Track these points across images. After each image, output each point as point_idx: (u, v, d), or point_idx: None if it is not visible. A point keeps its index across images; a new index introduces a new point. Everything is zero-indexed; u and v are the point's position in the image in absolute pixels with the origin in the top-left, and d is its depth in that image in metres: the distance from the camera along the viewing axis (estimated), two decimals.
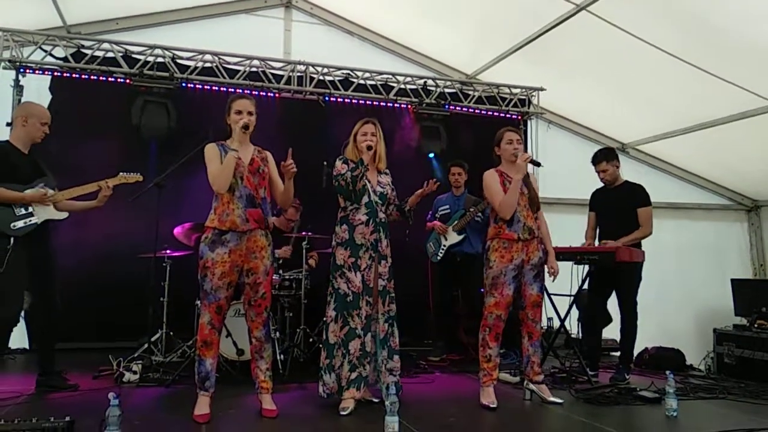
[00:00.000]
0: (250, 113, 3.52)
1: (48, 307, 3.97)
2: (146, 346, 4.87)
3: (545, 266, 4.07)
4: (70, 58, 5.94)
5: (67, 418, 2.95)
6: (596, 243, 4.99)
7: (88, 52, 5.97)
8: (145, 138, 5.97)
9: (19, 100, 5.71)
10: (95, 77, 5.98)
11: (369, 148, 3.79)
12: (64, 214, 3.92)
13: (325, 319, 3.85)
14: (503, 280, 3.86)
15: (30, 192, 3.78)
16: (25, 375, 4.37)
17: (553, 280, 4.16)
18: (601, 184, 5.07)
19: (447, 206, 5.83)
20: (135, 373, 4.39)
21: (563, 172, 7.13)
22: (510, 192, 3.87)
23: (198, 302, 3.75)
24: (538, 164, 4.16)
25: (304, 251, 5.17)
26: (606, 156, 4.96)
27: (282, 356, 4.75)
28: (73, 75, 5.96)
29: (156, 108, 5.96)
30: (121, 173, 4.17)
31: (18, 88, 5.74)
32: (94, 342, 5.66)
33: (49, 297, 3.97)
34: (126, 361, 4.53)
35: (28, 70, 5.82)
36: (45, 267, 3.91)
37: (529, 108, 7.29)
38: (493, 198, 3.96)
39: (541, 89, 7.17)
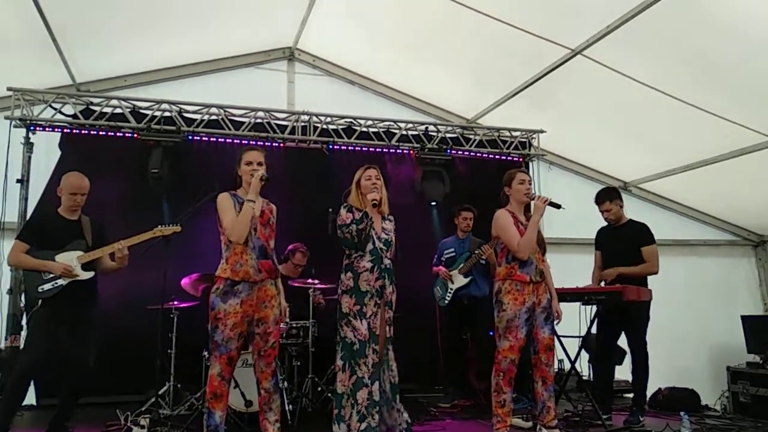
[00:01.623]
0: (260, 164, 3.59)
1: (80, 364, 3.99)
2: (154, 399, 4.82)
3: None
4: (80, 115, 6.06)
5: None
6: (602, 283, 4.98)
7: (97, 108, 6.09)
8: (155, 191, 6.02)
9: (29, 158, 5.83)
10: (104, 132, 6.09)
11: (375, 204, 3.84)
12: (90, 274, 3.99)
13: (333, 367, 3.84)
14: (517, 323, 3.85)
15: (53, 262, 3.91)
16: (34, 431, 4.32)
17: (557, 323, 4.14)
18: (604, 223, 5.09)
19: (452, 249, 5.85)
20: (143, 427, 4.34)
21: (566, 212, 7.12)
22: (529, 232, 3.89)
23: (206, 353, 3.74)
24: (558, 206, 4.10)
25: (310, 300, 5.17)
26: (609, 195, 5.00)
27: (290, 406, 4.69)
28: (83, 131, 6.07)
29: (167, 161, 6.04)
30: (158, 226, 4.25)
31: (28, 145, 5.86)
32: (101, 396, 5.58)
33: (83, 353, 3.98)
34: (134, 415, 4.50)
35: (38, 128, 5.95)
36: (80, 325, 3.97)
37: (530, 150, 7.38)
38: (510, 238, 3.96)
39: (542, 131, 7.26)
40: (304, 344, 5.06)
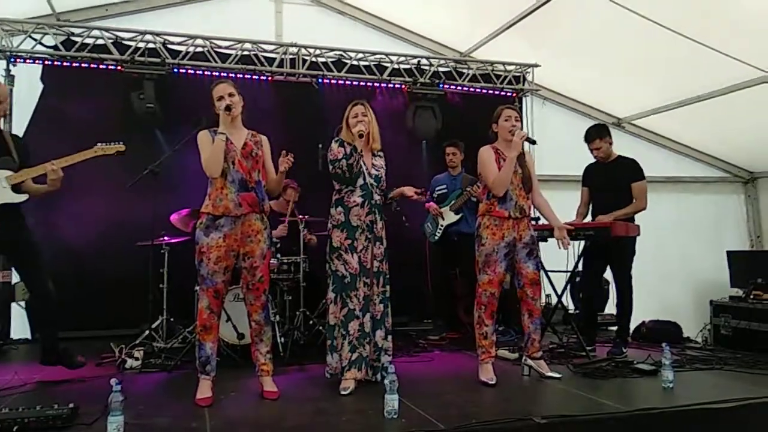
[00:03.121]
0: (230, 95, 3.52)
1: (38, 294, 3.83)
2: (147, 332, 4.91)
3: (538, 243, 4.08)
4: (61, 47, 5.89)
5: (71, 405, 3.00)
6: (589, 218, 5.01)
7: (78, 39, 5.92)
8: (143, 125, 5.91)
9: (11, 91, 5.67)
10: (86, 65, 5.94)
11: (360, 135, 3.77)
12: (23, 197, 3.66)
13: (324, 300, 3.88)
14: (495, 258, 3.88)
15: None
16: (28, 364, 4.40)
17: (566, 249, 4.15)
18: (594, 160, 5.07)
19: (444, 186, 5.83)
20: (137, 359, 4.42)
21: (559, 148, 7.12)
22: (504, 169, 3.87)
23: (197, 288, 3.77)
24: (533, 142, 4.15)
25: (301, 235, 5.18)
26: (599, 133, 4.95)
27: (282, 339, 4.78)
28: (64, 63, 5.91)
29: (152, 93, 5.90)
30: (98, 144, 3.83)
31: (9, 78, 5.71)
32: (95, 330, 5.68)
33: (37, 284, 3.79)
34: (128, 348, 4.56)
35: (18, 60, 5.78)
36: (21, 253, 3.76)
37: (524, 85, 7.26)
38: (487, 175, 3.97)
39: (536, 66, 7.13)
40: (295, 279, 5.11)
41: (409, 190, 4.01)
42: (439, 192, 5.83)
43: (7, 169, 3.62)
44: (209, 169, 3.45)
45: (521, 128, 4.03)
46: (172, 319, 5.08)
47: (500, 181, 3.88)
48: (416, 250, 6.11)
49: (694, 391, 3.65)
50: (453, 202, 5.67)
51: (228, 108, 3.47)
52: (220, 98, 3.51)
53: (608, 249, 4.73)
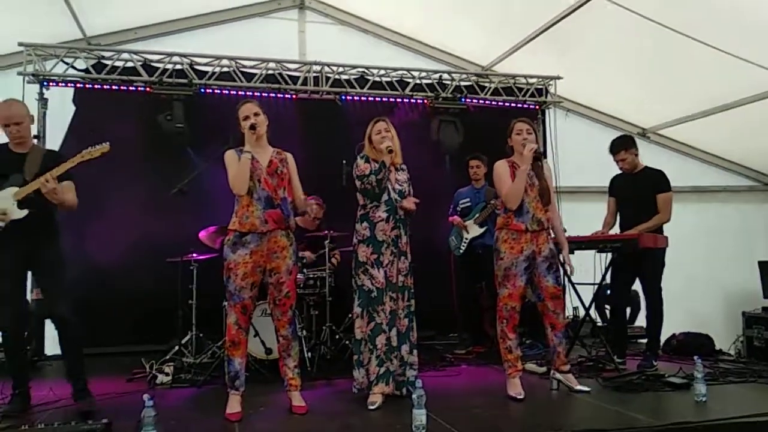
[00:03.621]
0: (255, 114, 3.59)
1: (54, 318, 3.76)
2: (177, 348, 4.98)
3: (558, 257, 4.06)
4: (92, 69, 6.07)
5: (104, 421, 3.06)
6: (617, 229, 4.96)
7: (109, 62, 6.09)
8: (172, 145, 6.04)
9: (44, 113, 5.87)
10: (116, 87, 6.11)
11: (390, 151, 3.82)
12: (23, 213, 3.54)
13: (350, 315, 3.91)
14: (515, 272, 3.87)
15: None
16: (61, 380, 4.47)
17: (571, 273, 4.15)
18: (619, 171, 5.03)
19: (468, 199, 5.84)
20: (167, 374, 4.49)
21: (584, 160, 7.09)
22: (516, 182, 3.88)
23: (225, 304, 3.83)
24: (539, 156, 4.04)
25: (327, 250, 5.22)
26: (624, 144, 4.91)
27: (309, 354, 4.82)
28: (95, 86, 6.08)
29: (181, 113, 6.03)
30: (84, 150, 3.71)
31: (42, 101, 5.88)
32: (126, 346, 5.79)
33: (53, 305, 3.70)
34: (158, 364, 4.63)
35: (51, 83, 5.96)
36: (42, 270, 3.72)
37: (546, 97, 7.25)
38: (501, 188, 3.99)
39: (558, 78, 7.11)
40: (321, 294, 5.15)
41: (406, 203, 3.92)
42: (463, 205, 5.83)
43: (16, 186, 3.59)
44: (236, 187, 3.52)
45: (536, 141, 4.02)
46: (201, 335, 5.14)
47: (512, 194, 3.88)
48: (442, 263, 6.12)
49: (728, 404, 3.58)
50: (477, 215, 5.67)
51: (253, 127, 3.54)
52: (246, 118, 3.59)
53: (637, 261, 4.67)
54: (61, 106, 5.99)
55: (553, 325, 3.99)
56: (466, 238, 5.71)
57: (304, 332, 4.94)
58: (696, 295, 7.28)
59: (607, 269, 4.83)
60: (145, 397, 2.80)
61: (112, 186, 5.78)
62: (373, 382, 3.71)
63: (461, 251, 5.76)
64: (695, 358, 3.81)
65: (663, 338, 5.13)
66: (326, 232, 5.22)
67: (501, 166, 4.04)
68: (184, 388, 4.36)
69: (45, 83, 5.91)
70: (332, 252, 5.36)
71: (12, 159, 3.66)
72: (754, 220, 8.17)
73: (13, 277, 3.65)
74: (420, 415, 3.02)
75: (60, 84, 6.01)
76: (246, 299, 3.50)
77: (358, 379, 3.80)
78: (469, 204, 5.80)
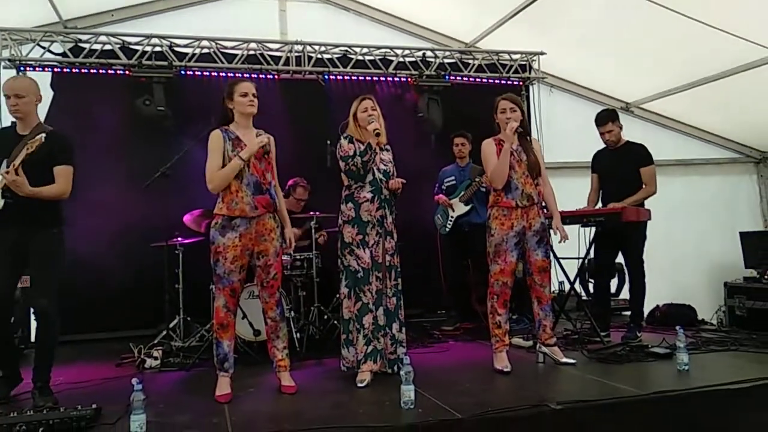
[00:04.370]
0: (254, 95, 3.56)
1: (35, 306, 3.64)
2: (165, 332, 4.98)
3: (550, 231, 4.10)
4: (69, 53, 5.96)
5: (94, 406, 3.07)
6: (600, 205, 5.01)
7: (86, 46, 5.98)
8: (153, 128, 5.96)
9: None
10: (95, 71, 6.01)
11: (377, 134, 3.81)
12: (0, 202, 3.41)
13: (338, 295, 3.92)
14: (505, 248, 3.90)
15: None
16: (53, 367, 4.48)
17: (560, 242, 4.18)
18: (603, 146, 5.06)
19: (452, 177, 5.85)
20: (156, 358, 4.49)
21: (568, 135, 7.12)
22: (499, 161, 3.89)
23: (212, 287, 3.83)
24: (521, 133, 4.02)
25: (312, 231, 5.22)
26: (610, 117, 4.95)
27: (298, 334, 4.84)
28: (73, 70, 5.99)
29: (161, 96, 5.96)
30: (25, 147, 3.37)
31: None
32: (114, 332, 5.78)
33: (34, 295, 3.58)
34: (147, 348, 4.64)
35: (28, 68, 5.85)
36: (31, 260, 3.56)
37: (530, 73, 7.24)
38: (487, 167, 4.00)
39: (542, 53, 7.10)
40: (308, 275, 5.16)
41: (393, 183, 3.90)
42: (448, 184, 5.84)
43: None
44: (213, 186, 3.48)
45: (521, 116, 4.02)
46: (188, 318, 5.14)
47: (497, 173, 3.91)
48: (428, 242, 6.14)
49: (710, 372, 3.66)
50: (462, 193, 5.68)
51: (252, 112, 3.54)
52: (245, 95, 3.53)
53: (619, 235, 4.73)
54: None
55: (539, 299, 4.04)
56: (452, 217, 5.73)
57: (293, 313, 4.96)
58: (680, 266, 7.38)
59: (591, 243, 4.89)
60: (134, 381, 2.80)
61: (94, 171, 5.71)
62: (361, 360, 3.74)
63: (447, 229, 5.78)
64: (677, 328, 3.88)
65: (646, 310, 5.22)
66: (312, 213, 5.21)
67: (488, 145, 4.05)
68: (173, 371, 4.36)
69: (21, 68, 5.81)
70: (318, 233, 5.37)
71: (9, 141, 3.46)
72: (736, 192, 8.26)
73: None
74: (408, 391, 3.07)
75: (37, 69, 5.91)
76: (235, 282, 3.50)
77: (347, 358, 3.83)
78: (454, 182, 5.81)
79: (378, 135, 3.82)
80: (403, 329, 3.95)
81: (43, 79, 5.90)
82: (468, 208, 5.67)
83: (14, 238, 3.50)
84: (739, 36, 5.70)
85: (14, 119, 3.65)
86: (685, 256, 7.55)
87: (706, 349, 4.36)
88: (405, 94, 6.92)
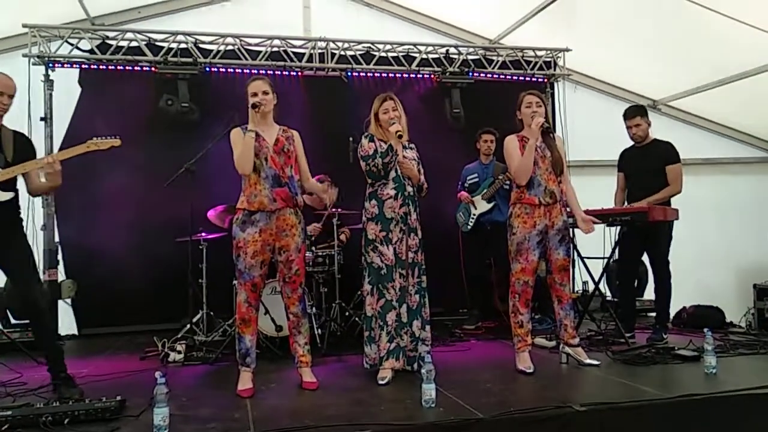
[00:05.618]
0: (265, 93, 3.56)
1: (22, 299, 3.63)
2: (189, 326, 5.02)
3: (572, 230, 4.04)
4: (96, 50, 6.04)
5: (118, 398, 3.10)
6: (626, 204, 4.93)
7: (113, 42, 6.06)
8: (178, 124, 6.03)
9: (50, 95, 5.86)
10: (121, 67, 6.09)
11: (400, 136, 3.79)
12: (8, 195, 3.47)
13: (359, 292, 3.91)
14: (527, 246, 3.86)
15: None
16: (76, 359, 4.56)
17: (586, 233, 4.10)
18: (629, 144, 4.98)
19: (475, 174, 5.81)
20: (179, 352, 4.53)
21: (593, 133, 7.02)
22: (524, 156, 3.85)
23: (235, 282, 3.85)
24: (548, 129, 3.97)
25: (335, 228, 5.23)
26: (639, 111, 4.89)
27: (319, 330, 4.85)
28: (100, 66, 6.07)
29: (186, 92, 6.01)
30: (92, 139, 3.60)
31: (48, 82, 5.87)
32: (138, 325, 5.85)
33: (22, 291, 3.58)
34: (170, 342, 4.68)
35: (56, 65, 5.94)
36: (8, 255, 3.54)
37: (555, 70, 7.15)
38: (511, 164, 3.96)
39: (567, 50, 7.00)
40: (330, 271, 5.16)
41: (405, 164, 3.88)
42: (471, 181, 5.81)
43: None
44: (240, 167, 3.51)
45: (545, 113, 3.96)
46: (212, 313, 5.19)
47: (521, 169, 3.86)
48: (450, 239, 6.10)
49: (739, 376, 3.58)
50: (485, 191, 5.64)
51: (255, 106, 3.51)
52: (254, 95, 3.56)
53: (645, 234, 4.65)
54: (67, 88, 5.98)
55: (559, 298, 4.00)
56: (474, 214, 5.69)
57: (314, 309, 4.97)
58: (707, 267, 7.25)
59: (617, 243, 4.81)
60: (158, 374, 2.82)
61: (119, 166, 5.80)
62: (383, 358, 3.74)
63: (469, 227, 5.75)
64: (705, 330, 3.80)
65: (673, 311, 5.13)
66: (334, 209, 5.22)
67: (511, 142, 4.01)
68: (195, 365, 4.40)
69: (50, 64, 5.89)
70: (340, 229, 5.37)
71: None
72: (765, 192, 8.07)
73: None
74: (429, 390, 3.05)
75: (65, 65, 5.99)
76: (256, 277, 3.52)
77: (369, 355, 3.83)
78: (477, 180, 5.77)
79: (400, 137, 3.80)
80: (427, 327, 3.93)
81: (71, 76, 6.02)
82: (491, 205, 5.63)
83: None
84: None
85: None
86: (713, 256, 7.41)
87: (734, 352, 4.27)
88: (428, 91, 6.87)
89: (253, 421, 2.96)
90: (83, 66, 6.05)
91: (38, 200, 5.71)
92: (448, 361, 4.24)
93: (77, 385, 3.58)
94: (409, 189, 3.88)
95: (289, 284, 3.61)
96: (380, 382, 3.63)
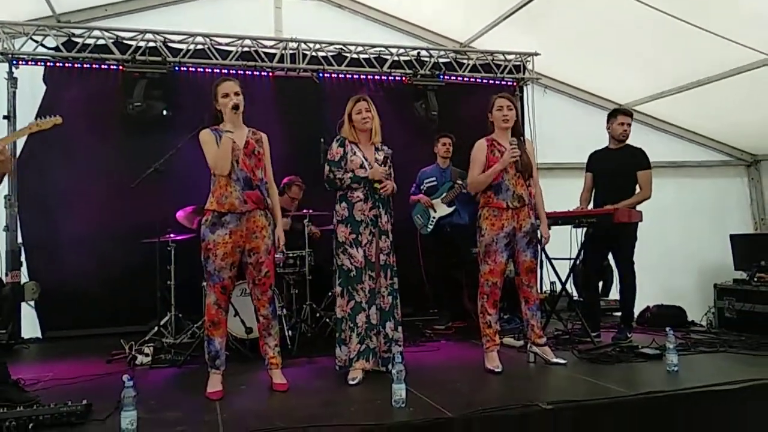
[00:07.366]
0: (236, 94, 3.55)
1: None
2: (156, 329, 4.96)
3: (538, 232, 4.12)
4: (62, 48, 5.91)
5: (84, 402, 3.06)
6: (592, 204, 5.03)
7: (79, 40, 5.93)
8: (146, 123, 5.92)
9: (14, 93, 5.73)
10: (88, 65, 5.97)
11: (379, 184, 3.84)
12: None
13: (330, 293, 3.92)
14: (495, 248, 3.92)
15: None
16: (40, 363, 4.48)
17: (545, 244, 4.21)
18: (599, 146, 5.08)
19: (433, 178, 5.85)
20: (147, 355, 4.47)
21: (561, 136, 7.15)
22: (485, 174, 3.94)
23: (204, 284, 3.82)
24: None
25: (305, 229, 5.22)
26: (630, 112, 5.02)
27: (290, 332, 4.83)
28: (66, 64, 5.94)
29: (152, 92, 5.93)
30: (35, 120, 3.53)
31: (12, 80, 5.73)
32: (105, 328, 5.74)
33: None
34: (138, 345, 4.62)
35: (20, 62, 5.81)
36: None
37: (524, 74, 7.26)
38: (472, 171, 4.05)
39: (536, 54, 7.11)
40: (301, 273, 5.15)
41: (373, 173, 3.91)
42: (429, 184, 5.84)
43: None
44: (219, 168, 3.48)
45: (516, 116, 4.03)
46: (180, 315, 5.13)
47: (475, 183, 4.02)
48: (409, 241, 6.08)
49: (699, 373, 3.69)
50: (444, 194, 5.70)
51: (236, 107, 3.50)
52: (226, 95, 3.53)
53: (610, 236, 4.75)
54: (31, 86, 5.85)
55: (526, 299, 4.07)
56: (434, 217, 5.74)
57: (285, 311, 4.95)
58: (671, 268, 7.42)
59: (583, 244, 4.91)
60: (125, 377, 2.79)
61: (85, 166, 5.69)
62: (353, 359, 3.75)
63: (429, 230, 5.78)
64: (667, 329, 3.91)
65: (637, 311, 5.26)
66: (305, 211, 5.21)
67: (478, 147, 4.06)
68: (164, 368, 4.35)
69: (14, 62, 5.76)
70: (310, 229, 5.35)
71: None
72: (727, 195, 8.30)
73: None
74: (399, 390, 3.08)
75: (30, 62, 5.86)
76: (225, 279, 3.50)
77: (340, 357, 3.84)
78: (435, 183, 5.82)
79: (377, 188, 3.84)
80: (399, 328, 3.96)
81: (36, 73, 5.89)
82: (451, 209, 5.70)
83: None
84: (731, 39, 5.73)
85: None
86: (675, 257, 7.59)
87: (695, 350, 4.40)
88: (399, 93, 6.89)
89: (222, 424, 2.95)
90: (48, 64, 5.92)
91: (0, 201, 5.59)
92: (419, 361, 4.27)
93: (28, 391, 3.52)
94: (380, 192, 3.89)
95: (258, 286, 3.60)
96: (351, 382, 3.65)
